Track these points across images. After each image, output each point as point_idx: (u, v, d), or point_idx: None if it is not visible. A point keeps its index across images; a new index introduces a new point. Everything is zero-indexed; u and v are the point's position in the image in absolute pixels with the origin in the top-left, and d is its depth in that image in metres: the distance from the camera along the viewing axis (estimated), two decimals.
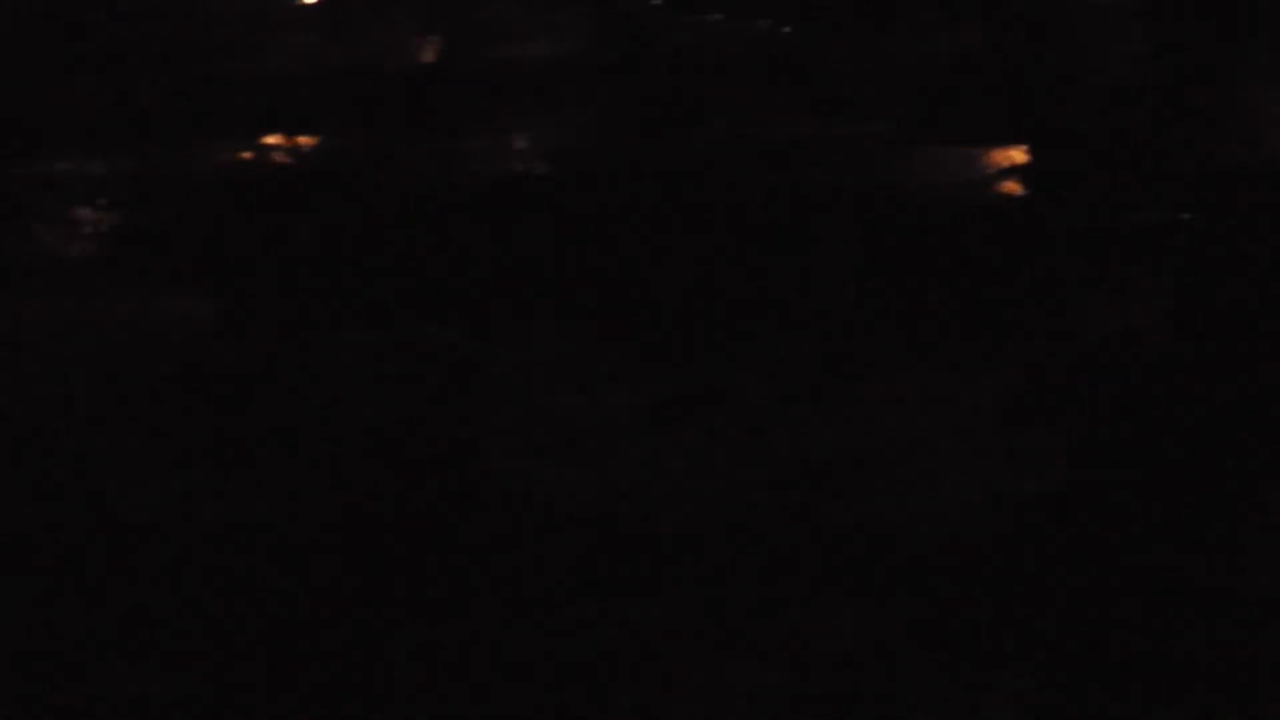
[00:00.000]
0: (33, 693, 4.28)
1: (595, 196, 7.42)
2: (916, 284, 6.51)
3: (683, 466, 5.24)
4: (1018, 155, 7.67)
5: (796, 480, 5.12)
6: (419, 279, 6.65)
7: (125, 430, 5.53)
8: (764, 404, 5.67)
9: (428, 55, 9.37)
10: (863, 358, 5.94)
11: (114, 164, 7.92)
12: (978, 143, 7.82)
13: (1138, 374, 5.77)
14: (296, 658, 4.37)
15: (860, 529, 4.87)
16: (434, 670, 4.32)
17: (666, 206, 7.27)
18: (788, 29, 9.67)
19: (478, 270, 6.74)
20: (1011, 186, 7.40)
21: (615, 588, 4.65)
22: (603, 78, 8.89)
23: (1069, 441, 5.35)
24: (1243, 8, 9.28)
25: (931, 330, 6.16)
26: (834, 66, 8.98)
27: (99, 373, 5.93)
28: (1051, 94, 8.46)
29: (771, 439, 5.41)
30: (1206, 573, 4.63)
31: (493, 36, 9.60)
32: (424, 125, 8.33)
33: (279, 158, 8.01)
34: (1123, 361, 5.86)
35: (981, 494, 5.03)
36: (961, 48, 9.11)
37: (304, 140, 8.16)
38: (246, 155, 8.01)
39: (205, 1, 9.95)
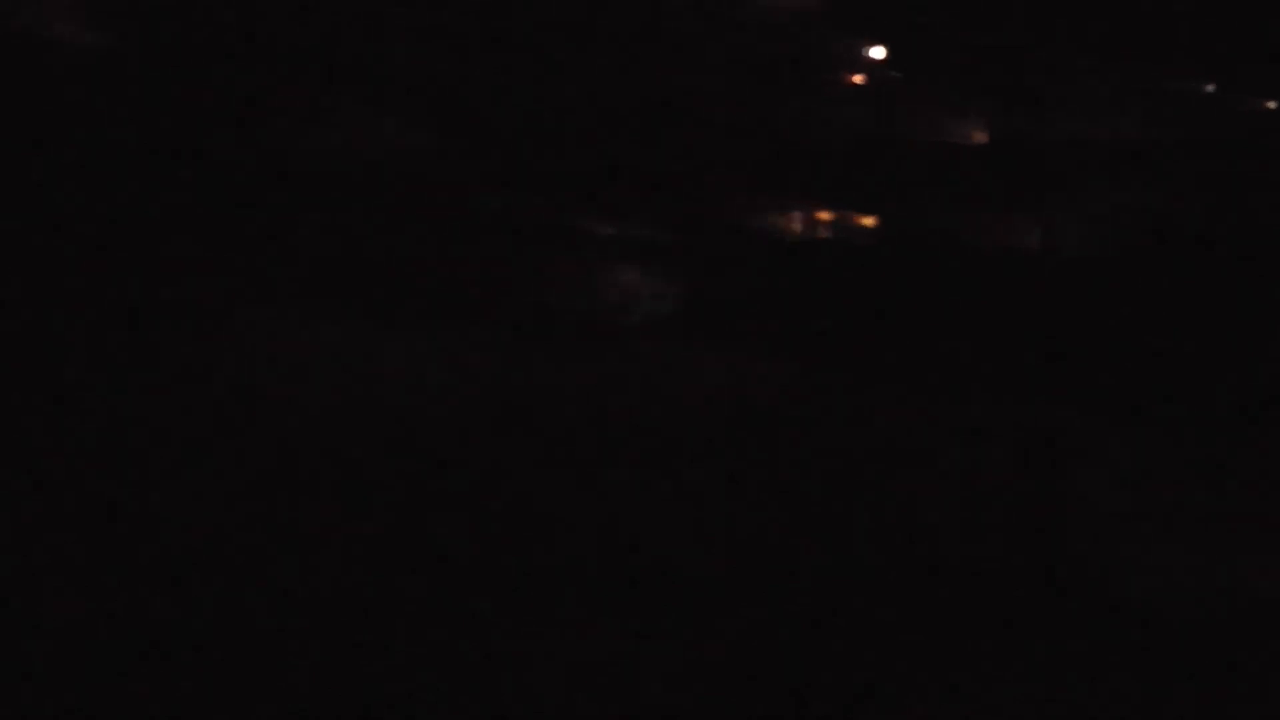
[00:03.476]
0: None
1: (1154, 277, 7.41)
2: None
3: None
4: None
5: None
6: (976, 353, 6.74)
7: (677, 480, 5.74)
8: None
9: (977, 130, 9.46)
10: None
11: (677, 228, 8.20)
12: None
13: None
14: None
15: None
16: None
17: (1224, 287, 7.24)
18: None
19: (1038, 346, 6.80)
20: None
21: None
22: (1153, 159, 8.86)
23: None
24: None
25: None
26: None
27: (648, 428, 6.16)
28: None
29: None
30: None
31: (1040, 113, 9.64)
32: (975, 199, 8.42)
33: (831, 227, 8.19)
34: None
35: None
36: None
37: (855, 212, 8.33)
38: (799, 224, 8.21)
39: (762, 80, 10.23)
